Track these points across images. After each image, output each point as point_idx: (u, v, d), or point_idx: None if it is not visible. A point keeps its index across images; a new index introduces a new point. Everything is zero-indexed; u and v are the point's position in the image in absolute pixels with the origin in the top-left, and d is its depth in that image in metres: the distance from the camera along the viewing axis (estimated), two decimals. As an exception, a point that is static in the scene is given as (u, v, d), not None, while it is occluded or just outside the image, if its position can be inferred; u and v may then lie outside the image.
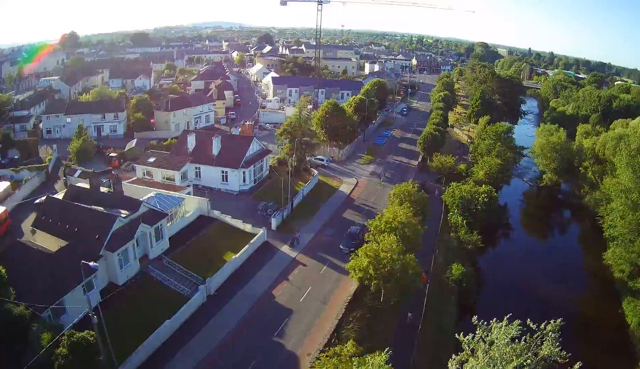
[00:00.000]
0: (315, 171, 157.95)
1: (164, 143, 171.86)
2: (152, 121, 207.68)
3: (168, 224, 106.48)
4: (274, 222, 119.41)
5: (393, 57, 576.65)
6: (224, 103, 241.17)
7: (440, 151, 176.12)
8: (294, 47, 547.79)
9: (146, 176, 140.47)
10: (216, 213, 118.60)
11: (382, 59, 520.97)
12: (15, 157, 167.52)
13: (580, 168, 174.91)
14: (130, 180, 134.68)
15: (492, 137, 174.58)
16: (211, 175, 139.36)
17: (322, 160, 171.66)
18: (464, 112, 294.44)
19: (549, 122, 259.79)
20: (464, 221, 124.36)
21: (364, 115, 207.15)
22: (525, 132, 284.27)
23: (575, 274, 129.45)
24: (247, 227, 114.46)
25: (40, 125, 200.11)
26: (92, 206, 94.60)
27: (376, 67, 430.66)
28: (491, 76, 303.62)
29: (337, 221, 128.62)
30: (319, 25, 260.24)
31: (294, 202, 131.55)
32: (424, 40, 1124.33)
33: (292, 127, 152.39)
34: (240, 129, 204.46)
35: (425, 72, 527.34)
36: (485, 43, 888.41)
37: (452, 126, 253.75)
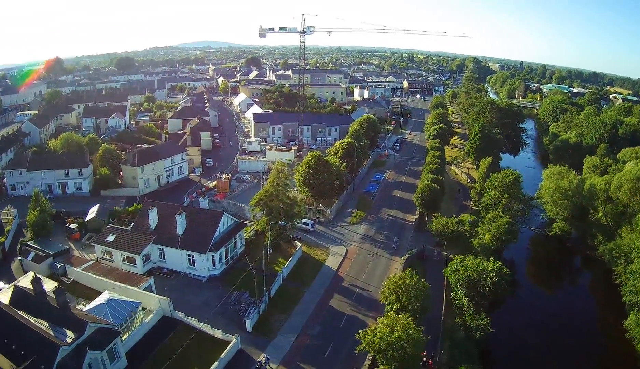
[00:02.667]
0: (299, 243, 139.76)
1: (129, 209, 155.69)
2: (121, 173, 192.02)
3: (124, 336, 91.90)
4: (248, 324, 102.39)
5: (384, 78, 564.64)
6: (199, 149, 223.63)
7: (439, 201, 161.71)
8: (281, 72, 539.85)
9: (106, 256, 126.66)
10: (180, 315, 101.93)
11: (372, 82, 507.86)
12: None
13: (592, 211, 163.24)
14: (86, 265, 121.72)
15: (497, 188, 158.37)
16: (177, 258, 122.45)
17: (307, 224, 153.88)
18: (461, 144, 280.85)
19: (552, 152, 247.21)
20: (470, 303, 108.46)
21: (354, 161, 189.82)
22: (526, 162, 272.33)
23: (592, 342, 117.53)
24: (217, 334, 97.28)
25: (4, 180, 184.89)
26: (37, 321, 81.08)
27: (366, 94, 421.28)
28: (490, 106, 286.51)
29: (323, 312, 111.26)
30: (302, 56, 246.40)
31: (271, 290, 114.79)
32: (414, 57, 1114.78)
33: (267, 197, 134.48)
34: (215, 184, 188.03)
35: (418, 95, 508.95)
36: (476, 58, 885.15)
37: (450, 163, 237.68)
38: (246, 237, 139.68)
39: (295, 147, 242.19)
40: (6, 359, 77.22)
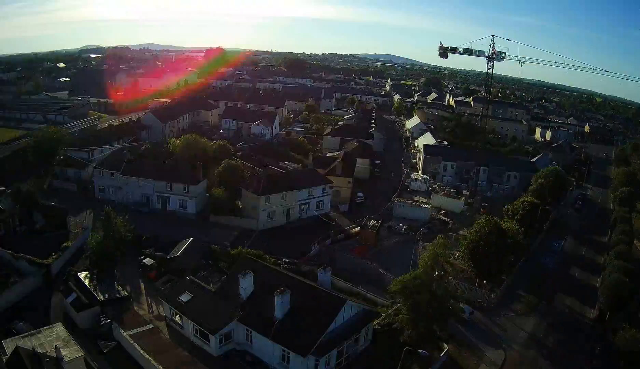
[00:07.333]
0: (445, 346, 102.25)
1: (232, 252, 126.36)
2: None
3: None
4: None
5: (565, 119, 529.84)
6: (349, 181, 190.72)
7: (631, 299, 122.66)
8: (461, 98, 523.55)
9: (175, 319, 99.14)
10: None
11: (554, 123, 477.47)
12: (37, 225, 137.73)
13: None
14: (139, 330, 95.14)
15: None
16: (267, 347, 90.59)
17: (464, 312, 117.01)
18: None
19: None
20: None
21: (535, 227, 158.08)
22: None
23: None
24: None
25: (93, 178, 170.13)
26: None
27: (548, 135, 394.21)
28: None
29: None
30: (489, 85, 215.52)
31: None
32: (592, 98, 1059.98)
33: (415, 286, 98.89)
34: (359, 231, 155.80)
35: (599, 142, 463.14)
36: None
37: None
38: (376, 326, 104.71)
39: (467, 193, 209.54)
40: None
